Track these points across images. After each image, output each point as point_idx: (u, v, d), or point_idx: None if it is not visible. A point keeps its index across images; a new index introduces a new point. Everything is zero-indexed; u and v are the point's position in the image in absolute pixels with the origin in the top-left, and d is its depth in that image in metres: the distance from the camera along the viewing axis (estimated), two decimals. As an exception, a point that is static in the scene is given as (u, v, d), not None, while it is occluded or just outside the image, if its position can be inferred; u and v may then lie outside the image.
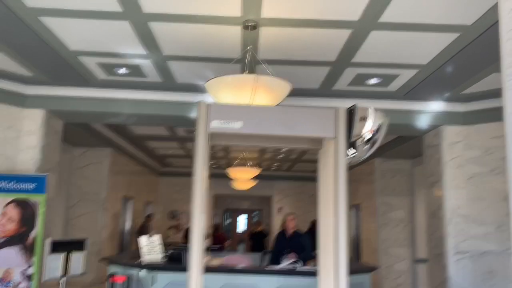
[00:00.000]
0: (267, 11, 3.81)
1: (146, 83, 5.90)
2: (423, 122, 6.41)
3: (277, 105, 4.05)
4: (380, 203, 9.79)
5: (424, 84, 5.60)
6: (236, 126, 2.69)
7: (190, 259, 2.72)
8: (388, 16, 3.83)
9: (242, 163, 11.50)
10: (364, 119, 2.63)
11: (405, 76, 5.36)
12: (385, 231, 9.69)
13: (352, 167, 11.38)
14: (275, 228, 14.21)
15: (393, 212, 9.75)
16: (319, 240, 3.04)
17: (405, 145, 8.35)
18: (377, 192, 9.88)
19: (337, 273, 2.64)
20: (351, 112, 2.63)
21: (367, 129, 2.65)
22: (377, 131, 2.69)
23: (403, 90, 5.89)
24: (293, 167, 14.45)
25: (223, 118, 2.70)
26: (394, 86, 5.76)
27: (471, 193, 6.16)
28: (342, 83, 5.70)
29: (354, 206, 11.68)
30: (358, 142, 2.67)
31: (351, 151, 2.65)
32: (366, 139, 2.67)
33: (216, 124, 2.69)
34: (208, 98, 5.63)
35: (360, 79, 5.53)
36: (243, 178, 11.09)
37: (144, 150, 11.69)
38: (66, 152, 9.03)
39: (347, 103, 5.99)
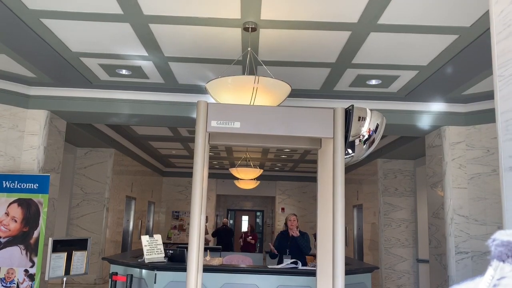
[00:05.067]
0: (266, 13, 3.84)
1: (148, 84, 5.94)
2: (424, 122, 6.42)
3: (276, 106, 4.08)
4: (382, 203, 9.80)
5: (424, 85, 5.61)
6: (234, 125, 2.72)
7: (189, 258, 2.75)
8: (386, 18, 3.84)
9: (245, 163, 11.53)
10: (361, 119, 2.65)
11: (406, 77, 5.37)
12: (388, 231, 9.70)
13: (353, 167, 11.39)
14: (278, 228, 14.22)
15: (395, 212, 9.76)
16: (318, 239, 3.06)
17: (407, 146, 8.35)
18: (379, 192, 9.89)
19: (335, 272, 2.66)
20: (348, 112, 2.65)
21: (364, 129, 2.67)
22: (374, 131, 2.71)
23: (404, 91, 5.90)
24: (296, 168, 14.47)
25: (222, 117, 2.73)
26: (395, 87, 5.77)
27: (472, 193, 6.16)
28: (343, 84, 5.72)
29: (357, 206, 11.68)
30: (356, 142, 2.69)
31: (349, 151, 2.67)
32: (363, 139, 2.69)
33: (215, 124, 2.71)
34: (209, 99, 5.67)
35: (361, 80, 5.55)
36: (246, 178, 11.11)
37: (147, 150, 11.74)
38: (69, 152, 9.09)
39: (349, 104, 6.04)
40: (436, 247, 6.57)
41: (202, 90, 5.97)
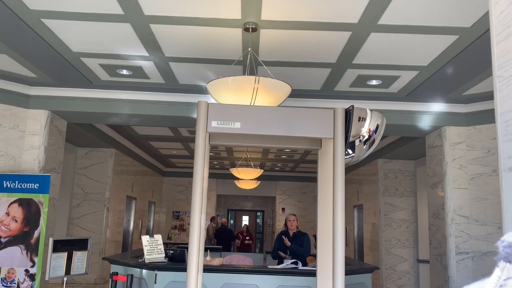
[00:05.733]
0: (267, 13, 3.84)
1: (149, 84, 5.95)
2: (425, 123, 6.41)
3: (277, 106, 4.08)
4: (383, 204, 9.79)
5: (425, 86, 5.61)
6: (235, 126, 2.72)
7: (190, 258, 2.75)
8: (387, 18, 3.85)
9: (246, 164, 11.53)
10: (361, 119, 2.65)
11: (406, 77, 5.37)
12: (388, 231, 9.69)
13: (353, 167, 11.39)
14: (278, 228, 14.22)
15: (396, 212, 9.75)
16: (318, 239, 3.06)
17: (408, 146, 8.35)
18: (380, 192, 9.88)
19: (335, 273, 2.66)
20: (348, 113, 2.65)
21: (364, 130, 2.67)
22: (374, 131, 2.71)
23: (405, 91, 5.90)
24: (296, 168, 14.47)
25: (222, 118, 2.73)
26: (395, 87, 5.77)
27: (473, 193, 6.16)
28: (344, 84, 5.72)
29: (357, 206, 11.68)
30: (356, 142, 2.69)
31: (349, 151, 2.67)
32: (363, 139, 2.69)
33: (215, 124, 2.72)
34: (210, 99, 5.68)
35: (361, 81, 5.55)
36: (246, 178, 11.11)
37: (147, 150, 11.75)
38: (70, 152, 9.10)
39: (349, 104, 6.03)
40: (437, 247, 6.57)
41: (202, 90, 5.98)
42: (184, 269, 4.42)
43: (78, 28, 4.25)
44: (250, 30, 4.09)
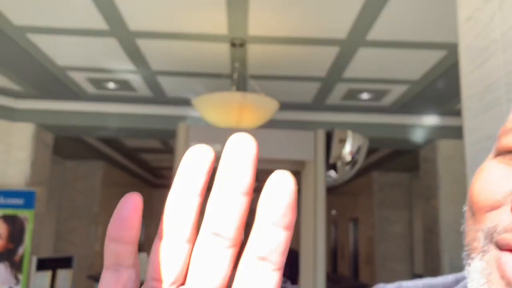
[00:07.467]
0: (253, 29, 3.78)
1: (136, 97, 5.87)
2: (418, 136, 6.34)
3: (265, 121, 4.01)
4: (378, 217, 9.69)
5: (417, 99, 5.55)
6: (215, 148, 2.64)
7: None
8: (374, 34, 3.79)
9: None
10: (342, 141, 2.58)
11: (397, 91, 5.31)
12: (383, 245, 9.58)
13: (348, 180, 11.32)
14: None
15: (391, 225, 9.65)
16: (300, 257, 2.97)
17: (402, 158, 8.29)
18: (375, 205, 9.78)
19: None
20: (329, 135, 2.58)
21: (346, 151, 2.59)
22: (356, 152, 2.63)
23: (396, 104, 5.84)
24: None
25: (202, 140, 2.66)
26: (387, 100, 5.70)
27: (466, 208, 6.07)
28: (335, 97, 5.64)
29: (352, 220, 11.58)
30: (339, 164, 2.61)
31: (332, 173, 2.59)
32: (346, 161, 2.61)
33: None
34: (198, 113, 5.60)
35: (352, 94, 5.48)
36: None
37: (137, 162, 11.62)
38: (58, 165, 8.98)
39: (342, 117, 5.91)
40: (431, 262, 6.47)
41: (191, 103, 5.90)
42: None
43: (63, 42, 4.18)
44: (238, 45, 4.03)
